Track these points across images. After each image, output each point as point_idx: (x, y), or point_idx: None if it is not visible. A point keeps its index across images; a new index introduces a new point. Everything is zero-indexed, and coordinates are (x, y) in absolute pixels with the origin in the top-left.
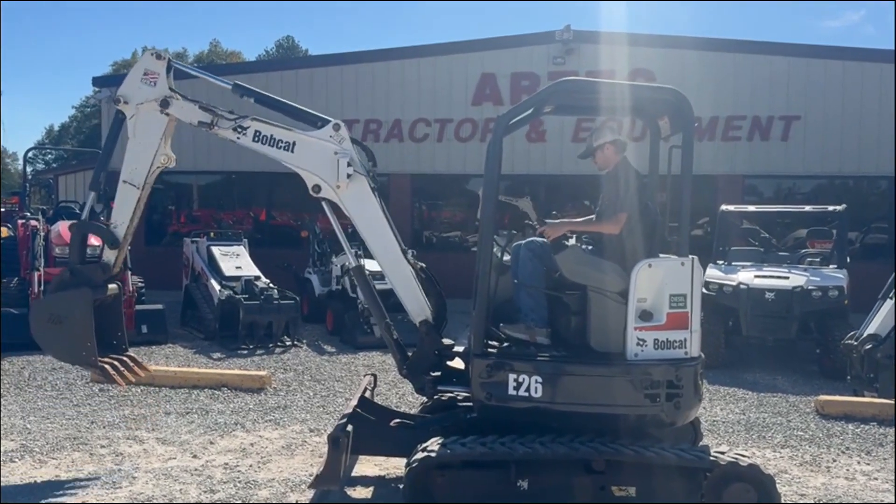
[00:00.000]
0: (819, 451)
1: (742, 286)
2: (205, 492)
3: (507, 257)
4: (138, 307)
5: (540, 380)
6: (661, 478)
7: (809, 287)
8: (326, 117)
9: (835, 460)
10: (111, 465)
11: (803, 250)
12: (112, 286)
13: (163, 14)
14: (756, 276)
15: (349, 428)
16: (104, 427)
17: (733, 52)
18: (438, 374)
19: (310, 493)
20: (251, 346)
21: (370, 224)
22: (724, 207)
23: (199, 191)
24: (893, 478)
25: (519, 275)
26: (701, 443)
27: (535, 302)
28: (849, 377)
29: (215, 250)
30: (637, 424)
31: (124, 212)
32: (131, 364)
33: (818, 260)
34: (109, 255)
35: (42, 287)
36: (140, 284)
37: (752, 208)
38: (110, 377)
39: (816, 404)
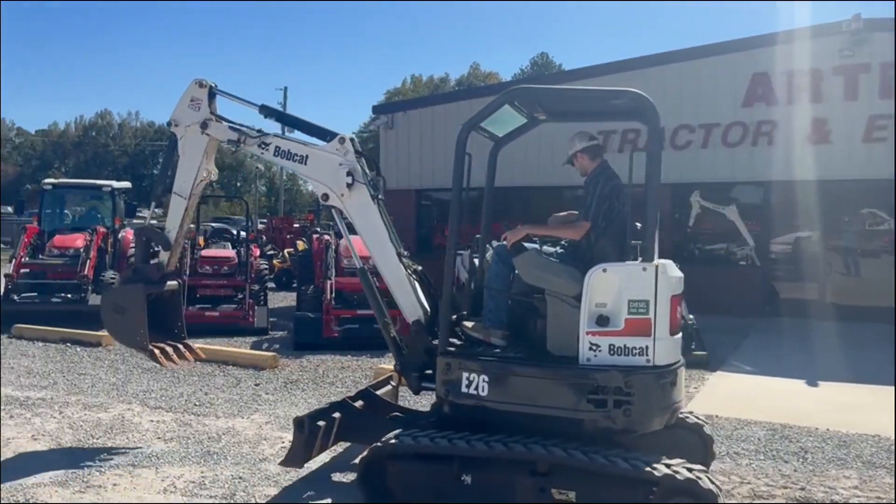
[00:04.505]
0: None
1: None
2: None
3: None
4: None
5: (487, 379)
6: (602, 485)
7: None
8: (335, 131)
9: None
10: None
11: None
12: (171, 283)
13: (428, 43)
14: None
15: (336, 415)
16: None
17: None
18: (430, 372)
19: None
20: None
21: (368, 228)
22: None
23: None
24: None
25: (486, 276)
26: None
27: (495, 304)
28: None
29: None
30: (592, 430)
31: (174, 219)
32: (183, 350)
33: None
34: (164, 256)
35: (333, 294)
36: None
37: None
38: (157, 360)
39: None
